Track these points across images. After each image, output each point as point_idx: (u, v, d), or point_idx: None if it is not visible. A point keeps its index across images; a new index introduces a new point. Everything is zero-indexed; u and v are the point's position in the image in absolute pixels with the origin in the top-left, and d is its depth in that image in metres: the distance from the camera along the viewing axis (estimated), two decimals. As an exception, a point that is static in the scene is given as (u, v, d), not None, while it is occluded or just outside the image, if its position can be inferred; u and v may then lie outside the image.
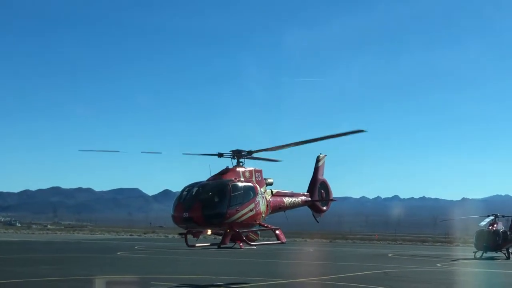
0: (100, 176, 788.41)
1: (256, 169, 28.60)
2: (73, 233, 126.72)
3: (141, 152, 34.83)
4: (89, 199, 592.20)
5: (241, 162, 28.16)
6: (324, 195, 33.87)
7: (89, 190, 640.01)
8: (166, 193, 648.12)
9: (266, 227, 28.71)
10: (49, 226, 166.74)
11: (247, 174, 27.84)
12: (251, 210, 26.72)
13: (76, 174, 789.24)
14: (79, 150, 38.53)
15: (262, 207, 27.76)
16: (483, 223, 62.82)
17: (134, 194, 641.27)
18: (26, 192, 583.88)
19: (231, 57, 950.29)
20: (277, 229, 28.20)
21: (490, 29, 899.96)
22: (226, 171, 27.49)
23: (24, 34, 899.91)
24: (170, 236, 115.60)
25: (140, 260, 47.05)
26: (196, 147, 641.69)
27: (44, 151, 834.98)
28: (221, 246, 29.49)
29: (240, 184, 26.62)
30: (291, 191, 31.92)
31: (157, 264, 42.73)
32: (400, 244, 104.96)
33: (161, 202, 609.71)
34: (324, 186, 34.07)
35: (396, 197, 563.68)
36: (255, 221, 27.38)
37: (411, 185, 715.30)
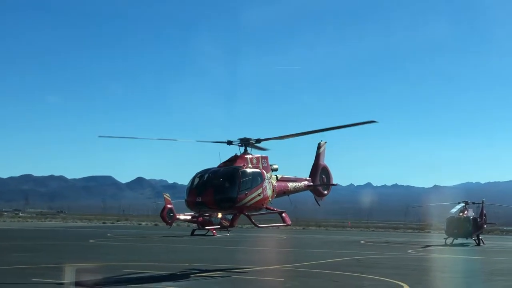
0: (72, 164, 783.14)
1: (263, 156, 29.93)
2: (45, 221, 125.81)
3: (158, 139, 36.42)
4: (61, 187, 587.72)
5: (248, 149, 29.49)
6: (325, 180, 35.30)
7: (61, 178, 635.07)
8: (139, 180, 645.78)
9: (273, 210, 30.11)
10: (20, 214, 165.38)
11: (254, 161, 29.19)
12: (259, 195, 28.27)
13: (48, 161, 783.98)
14: (99, 136, 39.40)
15: (269, 191, 29.29)
16: (454, 210, 63.50)
17: (107, 181, 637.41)
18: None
19: (186, 37, 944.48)
20: (283, 212, 30.06)
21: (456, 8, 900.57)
22: (235, 158, 28.83)
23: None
24: (143, 223, 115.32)
25: (112, 248, 46.82)
26: (154, 132, 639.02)
27: (15, 138, 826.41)
28: (229, 228, 30.64)
29: (248, 170, 28.12)
30: (295, 176, 33.30)
31: (130, 252, 42.55)
32: (372, 231, 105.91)
33: (134, 190, 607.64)
34: (325, 171, 35.49)
35: (368, 185, 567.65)
36: (262, 205, 28.91)
37: (384, 172, 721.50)
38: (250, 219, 29.36)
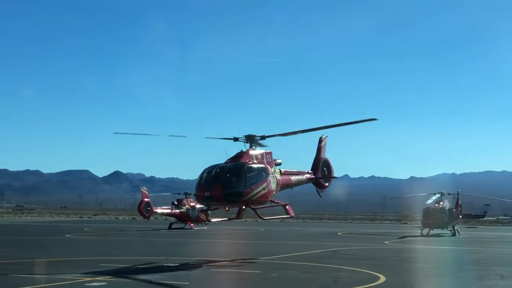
0: (48, 158, 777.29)
1: (267, 151, 31.02)
2: (21, 216, 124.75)
3: (169, 136, 38.03)
4: (37, 182, 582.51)
5: (253, 145, 30.56)
6: (326, 172, 36.35)
7: (37, 172, 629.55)
8: (116, 174, 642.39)
9: (277, 203, 31.19)
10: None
11: (259, 156, 30.34)
12: (264, 189, 29.43)
13: (23, 156, 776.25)
14: (114, 133, 40.31)
15: (273, 185, 30.42)
16: (429, 201, 63.95)
17: (83, 175, 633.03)
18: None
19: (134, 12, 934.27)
20: (287, 204, 31.21)
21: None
22: (240, 154, 29.98)
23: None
24: (120, 217, 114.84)
25: (89, 242, 46.64)
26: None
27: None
28: (235, 220, 32.20)
29: (254, 165, 29.36)
30: (297, 169, 34.32)
31: (107, 246, 42.41)
32: (350, 222, 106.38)
33: (111, 184, 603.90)
34: (326, 164, 36.54)
35: (346, 177, 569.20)
36: (267, 198, 30.10)
37: (361, 164, 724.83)
38: (256, 212, 30.51)
